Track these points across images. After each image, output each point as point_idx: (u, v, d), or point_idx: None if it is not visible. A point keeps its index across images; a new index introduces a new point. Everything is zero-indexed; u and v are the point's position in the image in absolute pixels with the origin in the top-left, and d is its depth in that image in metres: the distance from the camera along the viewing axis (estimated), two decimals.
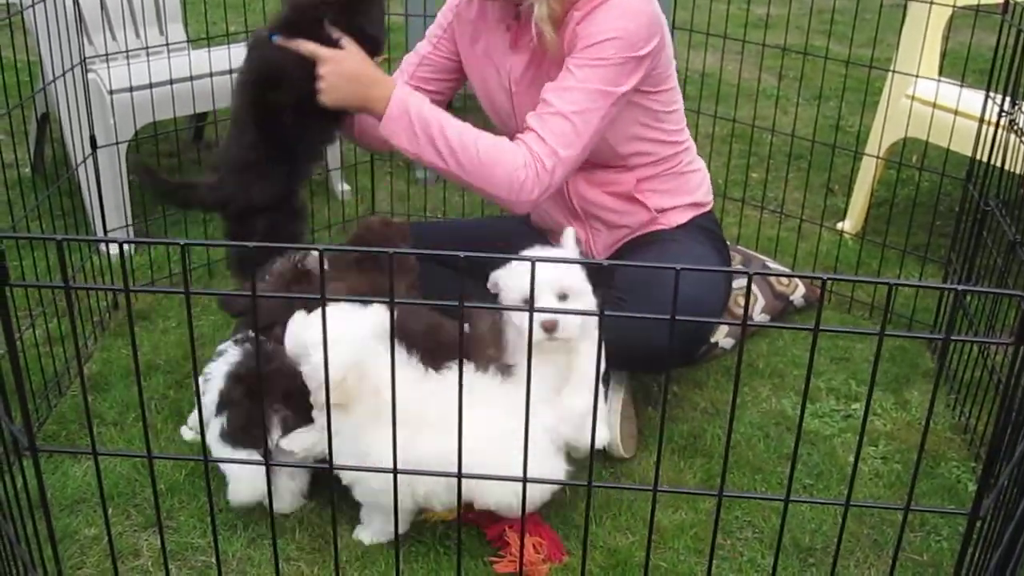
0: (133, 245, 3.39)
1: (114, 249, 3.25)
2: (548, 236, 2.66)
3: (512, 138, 2.36)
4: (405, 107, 2.29)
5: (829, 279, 1.08)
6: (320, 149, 2.73)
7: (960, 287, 1.10)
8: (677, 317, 1.19)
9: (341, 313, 1.95)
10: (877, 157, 3.49)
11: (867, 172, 3.58)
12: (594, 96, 2.29)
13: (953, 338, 1.18)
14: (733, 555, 2.20)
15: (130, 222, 3.32)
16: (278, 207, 2.48)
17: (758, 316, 3.00)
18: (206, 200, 2.52)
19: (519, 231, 2.74)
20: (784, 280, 3.09)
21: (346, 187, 3.90)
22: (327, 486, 2.24)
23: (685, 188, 2.63)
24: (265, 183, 2.44)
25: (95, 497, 2.29)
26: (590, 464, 1.31)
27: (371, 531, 2.20)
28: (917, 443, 2.55)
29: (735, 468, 2.46)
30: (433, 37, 2.71)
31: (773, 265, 3.26)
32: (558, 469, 2.11)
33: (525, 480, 1.34)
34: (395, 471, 1.34)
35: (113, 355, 2.83)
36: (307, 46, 2.32)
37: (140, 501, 2.30)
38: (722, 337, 2.85)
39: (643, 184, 2.58)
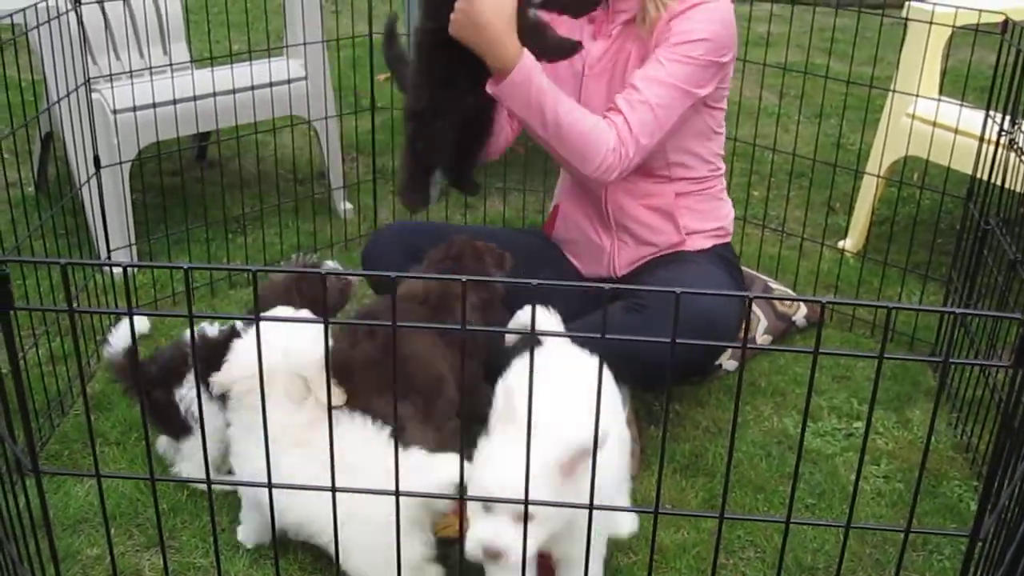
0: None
1: (117, 269, 3.26)
2: (566, 248, 2.79)
3: None
4: (528, 76, 2.33)
5: (828, 303, 1.09)
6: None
7: (959, 311, 1.10)
8: (679, 340, 1.19)
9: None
10: (878, 176, 3.50)
11: (868, 190, 3.59)
12: (678, 93, 2.40)
13: (952, 361, 1.18)
14: (735, 575, 2.20)
15: (133, 241, 3.33)
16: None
17: (761, 337, 3.00)
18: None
19: (537, 245, 2.80)
20: (786, 301, 3.09)
21: (348, 205, 3.91)
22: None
23: (715, 214, 2.68)
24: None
25: (98, 517, 2.29)
26: (591, 487, 1.31)
27: (244, 531, 2.27)
28: (919, 462, 2.54)
29: (737, 487, 2.46)
30: None
31: (775, 285, 3.27)
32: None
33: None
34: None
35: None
36: None
37: (143, 521, 2.30)
38: (726, 359, 2.86)
39: (680, 200, 2.62)
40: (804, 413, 1.26)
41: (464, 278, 1.21)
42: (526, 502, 1.34)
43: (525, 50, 2.34)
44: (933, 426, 1.30)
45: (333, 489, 1.32)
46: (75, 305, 2.95)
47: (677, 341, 1.19)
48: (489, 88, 2.37)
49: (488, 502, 1.39)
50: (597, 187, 2.62)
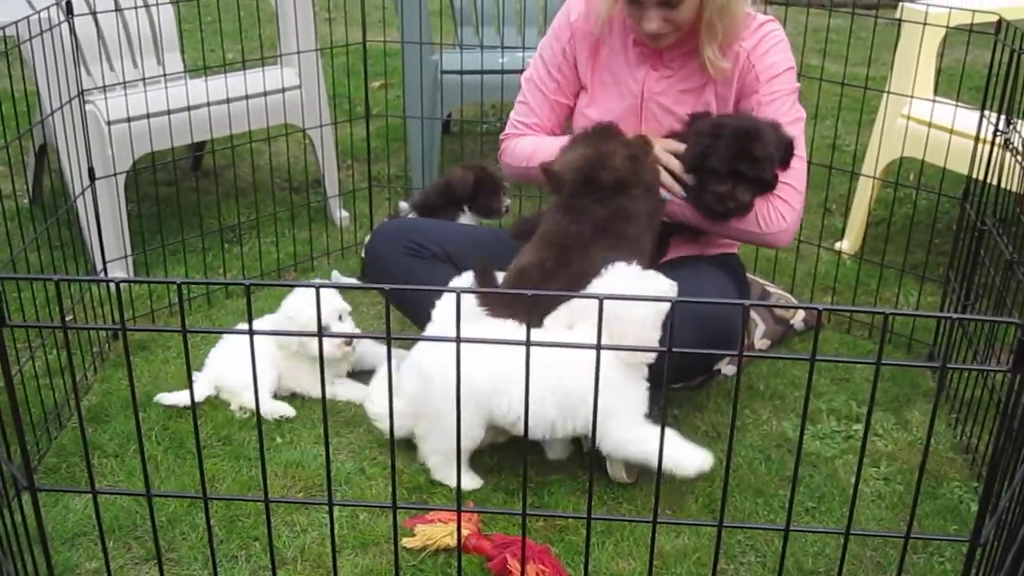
0: (133, 276, 3.39)
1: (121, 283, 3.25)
2: None
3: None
4: None
5: (825, 309, 1.08)
6: None
7: (955, 316, 1.10)
8: (674, 349, 1.19)
9: None
10: (874, 177, 3.50)
11: (864, 192, 3.59)
12: (800, 126, 2.61)
13: (950, 366, 1.18)
14: None
15: (129, 252, 3.32)
16: None
17: (759, 341, 3.00)
18: None
19: None
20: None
21: (344, 213, 3.91)
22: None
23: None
24: None
25: (96, 531, 2.28)
26: (589, 496, 1.31)
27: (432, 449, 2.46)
28: (919, 463, 2.54)
29: (736, 491, 2.45)
30: (551, 68, 2.75)
31: (772, 288, 3.27)
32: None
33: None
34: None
35: (113, 386, 2.82)
36: None
37: (141, 533, 2.29)
38: (724, 365, 2.86)
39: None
40: (803, 418, 1.26)
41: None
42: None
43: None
44: (932, 430, 1.29)
45: (330, 504, 1.31)
46: (70, 320, 2.94)
47: (674, 349, 1.19)
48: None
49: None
50: None
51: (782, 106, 2.57)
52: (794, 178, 2.56)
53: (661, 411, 1.39)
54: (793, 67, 2.60)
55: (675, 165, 2.51)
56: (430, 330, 2.43)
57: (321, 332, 1.24)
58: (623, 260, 2.34)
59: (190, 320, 3.20)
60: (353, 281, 3.33)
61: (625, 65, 2.64)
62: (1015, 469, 1.41)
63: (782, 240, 2.61)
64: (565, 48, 2.72)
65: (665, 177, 2.51)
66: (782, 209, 2.56)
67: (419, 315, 2.71)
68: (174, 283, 1.07)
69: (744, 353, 1.21)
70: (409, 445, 2.59)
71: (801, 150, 2.56)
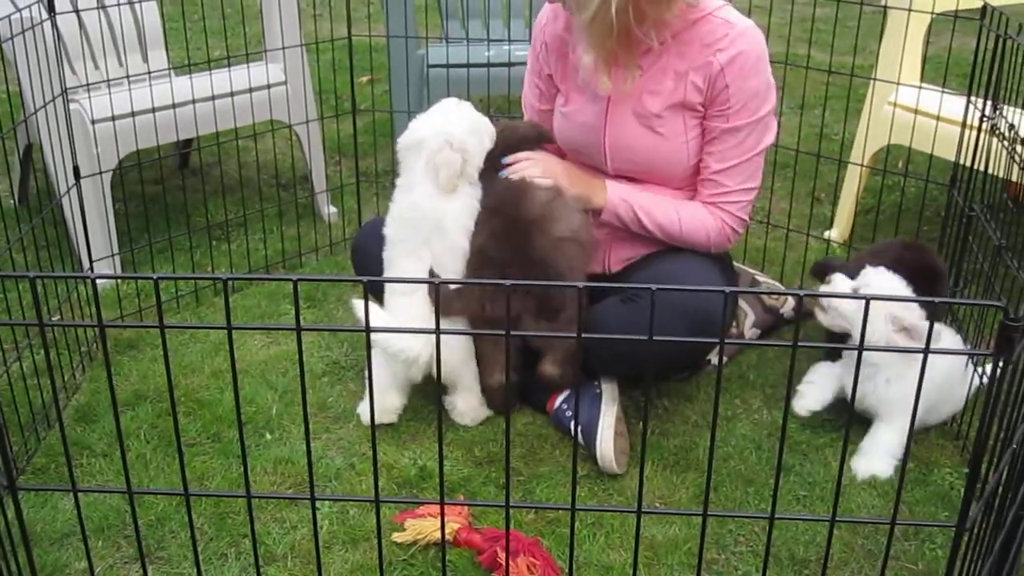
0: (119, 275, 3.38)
1: (100, 280, 3.24)
2: None
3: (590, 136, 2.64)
4: (619, 203, 2.61)
5: (807, 295, 1.08)
6: None
7: (938, 300, 1.09)
8: (655, 337, 1.18)
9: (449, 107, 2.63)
10: (862, 165, 3.50)
11: (852, 180, 3.58)
12: (758, 160, 2.60)
13: (934, 350, 1.17)
14: (727, 569, 2.19)
15: (116, 251, 3.31)
16: None
17: (749, 331, 2.99)
18: None
19: None
20: (773, 294, 3.09)
21: (333, 209, 3.90)
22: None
23: None
24: None
25: (85, 530, 2.27)
26: (572, 487, 1.30)
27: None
28: (911, 451, 2.54)
29: (727, 481, 2.45)
30: (534, 78, 2.81)
31: (762, 278, 3.26)
32: None
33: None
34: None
35: (102, 385, 2.81)
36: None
37: (130, 532, 2.28)
38: (714, 355, 2.85)
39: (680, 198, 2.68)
40: (785, 404, 1.25)
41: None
42: None
43: (608, 182, 2.61)
44: (915, 415, 1.29)
45: (312, 499, 1.31)
46: (57, 319, 2.93)
47: (655, 338, 1.18)
48: (599, 222, 2.61)
49: None
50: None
51: (741, 145, 2.55)
52: (744, 194, 2.61)
53: (644, 405, 1.38)
54: (771, 86, 2.56)
55: None
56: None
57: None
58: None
59: (178, 318, 3.18)
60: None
61: (592, 69, 2.60)
62: (1001, 453, 1.40)
63: (718, 243, 2.64)
64: (539, 56, 2.75)
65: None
66: (733, 224, 2.62)
67: None
68: (150, 279, 1.06)
69: (727, 341, 1.21)
70: (399, 438, 2.59)
71: (751, 183, 2.61)
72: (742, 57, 2.48)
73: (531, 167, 2.60)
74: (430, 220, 2.54)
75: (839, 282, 2.57)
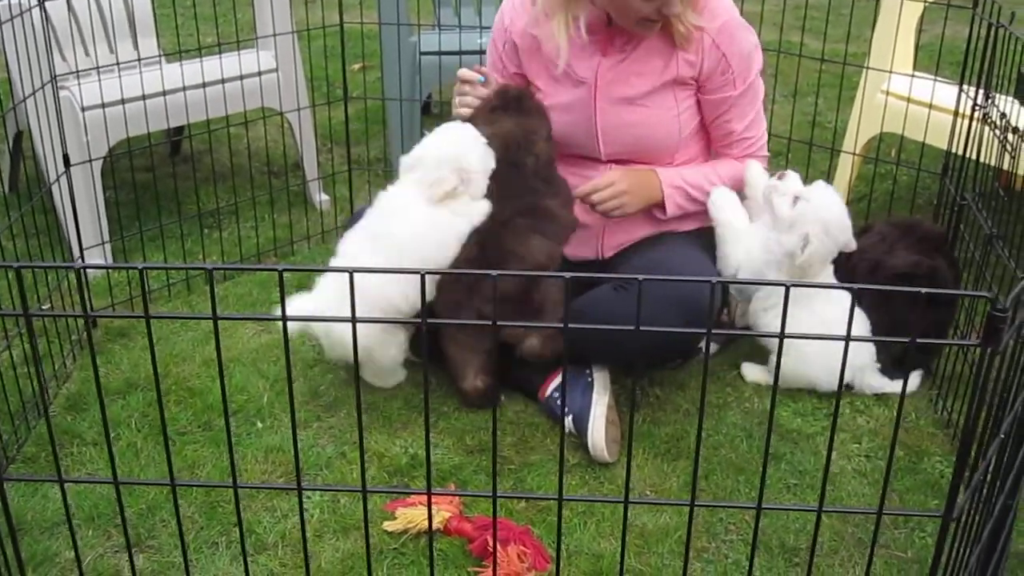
0: (111, 263, 3.37)
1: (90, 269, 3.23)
2: None
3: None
4: (674, 192, 2.68)
5: (793, 284, 1.08)
6: None
7: (925, 291, 1.09)
8: (642, 327, 1.18)
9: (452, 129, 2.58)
10: (854, 153, 3.49)
11: (845, 168, 3.58)
12: (761, 106, 2.77)
13: (921, 341, 1.17)
14: (718, 558, 2.20)
15: (107, 239, 3.29)
16: None
17: (741, 319, 2.99)
18: None
19: None
20: None
21: (324, 197, 3.89)
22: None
23: None
24: None
25: (75, 519, 2.27)
26: (560, 477, 1.30)
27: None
28: (901, 440, 2.55)
29: (718, 469, 2.45)
30: (498, 68, 2.81)
31: None
32: None
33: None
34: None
35: (92, 374, 2.81)
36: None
37: (120, 522, 2.27)
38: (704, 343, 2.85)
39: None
40: (772, 394, 1.25)
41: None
42: None
43: (659, 172, 2.66)
44: (902, 404, 1.29)
45: (299, 488, 1.31)
46: (47, 308, 2.92)
47: (642, 328, 1.18)
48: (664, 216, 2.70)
49: None
50: (592, 171, 2.69)
51: (754, 98, 2.72)
52: (764, 134, 2.82)
53: (631, 393, 1.38)
54: (755, 38, 2.67)
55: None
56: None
57: (283, 317, 1.23)
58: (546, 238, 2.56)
59: (169, 306, 3.17)
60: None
61: (572, 57, 2.63)
62: (989, 442, 1.41)
63: None
64: (502, 56, 2.77)
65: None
66: (763, 162, 2.80)
67: None
68: (135, 268, 1.05)
69: (714, 331, 1.21)
70: (390, 426, 2.59)
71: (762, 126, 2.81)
72: (728, 25, 2.59)
73: (608, 202, 2.60)
74: (407, 231, 2.53)
75: (792, 178, 2.69)
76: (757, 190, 2.73)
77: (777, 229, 2.66)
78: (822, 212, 2.64)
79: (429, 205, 2.52)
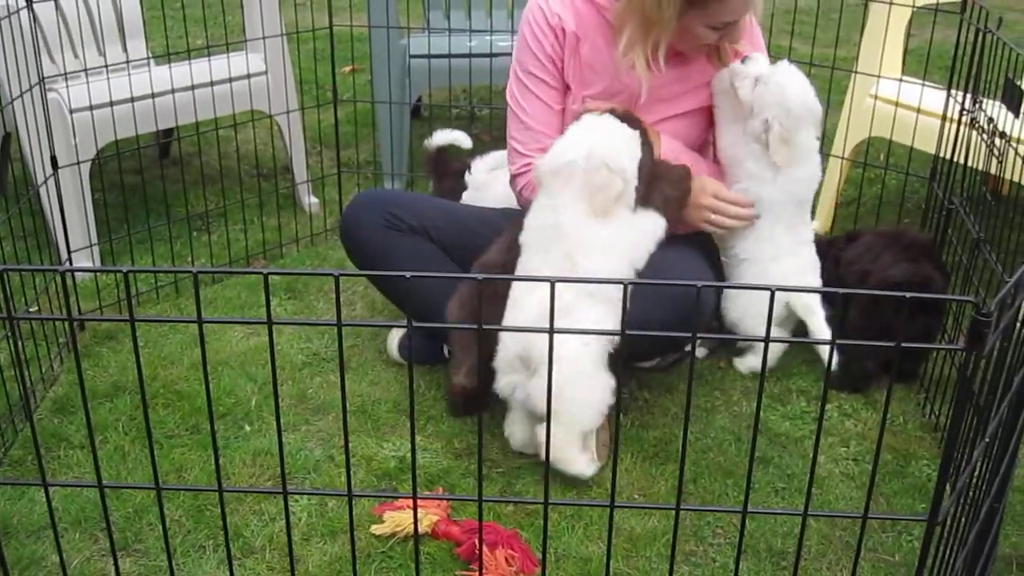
0: (100, 265, 3.36)
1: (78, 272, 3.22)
2: None
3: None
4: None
5: (778, 289, 1.08)
6: None
7: (910, 295, 1.10)
8: (628, 331, 1.18)
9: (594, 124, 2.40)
10: (843, 157, 3.50)
11: (834, 173, 3.59)
12: None
13: (905, 345, 1.18)
14: (706, 561, 2.20)
15: (95, 242, 3.29)
16: None
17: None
18: None
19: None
20: None
21: (314, 200, 3.88)
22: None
23: None
24: None
25: (62, 522, 2.26)
26: (545, 482, 1.30)
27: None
28: (888, 444, 2.56)
29: (706, 473, 2.45)
30: (547, 79, 2.68)
31: None
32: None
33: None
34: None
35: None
36: None
37: (106, 525, 2.27)
38: (697, 346, 2.86)
39: None
40: (758, 398, 1.25)
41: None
42: None
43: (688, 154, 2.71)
44: (887, 408, 1.29)
45: (284, 492, 1.30)
46: (34, 311, 2.91)
47: (627, 332, 1.18)
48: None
49: None
50: None
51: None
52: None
53: (616, 401, 1.38)
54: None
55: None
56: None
57: (268, 321, 1.22)
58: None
59: (158, 308, 3.17)
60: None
61: (612, 63, 2.59)
62: (973, 445, 1.41)
63: None
64: (551, 54, 2.65)
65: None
66: None
67: (394, 292, 2.84)
68: (120, 271, 1.05)
69: (699, 335, 1.21)
70: (379, 430, 2.59)
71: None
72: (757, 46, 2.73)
73: (728, 220, 2.68)
74: (572, 244, 2.32)
75: (756, 61, 2.63)
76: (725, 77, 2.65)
77: (743, 115, 2.63)
78: (781, 94, 2.58)
79: (599, 220, 2.31)
